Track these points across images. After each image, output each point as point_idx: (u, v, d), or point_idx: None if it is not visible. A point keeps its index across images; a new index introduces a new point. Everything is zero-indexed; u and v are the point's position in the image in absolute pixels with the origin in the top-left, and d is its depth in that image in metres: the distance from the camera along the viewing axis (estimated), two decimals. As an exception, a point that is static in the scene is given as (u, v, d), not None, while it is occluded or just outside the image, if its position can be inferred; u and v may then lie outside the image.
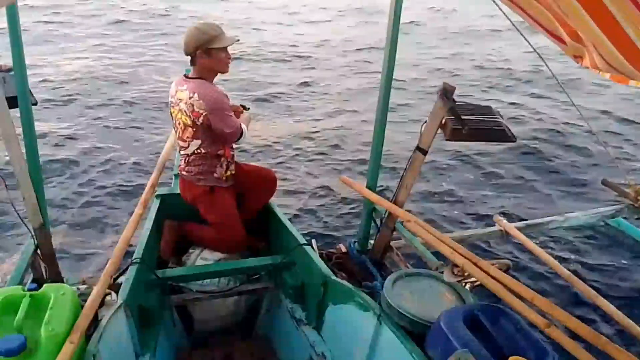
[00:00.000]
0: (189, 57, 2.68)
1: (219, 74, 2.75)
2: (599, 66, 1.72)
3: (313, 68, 10.52)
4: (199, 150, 2.76)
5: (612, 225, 4.14)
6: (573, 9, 1.45)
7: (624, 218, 4.13)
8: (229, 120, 2.68)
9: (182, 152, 2.85)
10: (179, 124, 2.74)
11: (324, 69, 10.43)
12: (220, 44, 2.63)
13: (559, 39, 1.93)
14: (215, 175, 2.83)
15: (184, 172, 2.86)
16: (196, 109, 2.62)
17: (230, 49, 2.70)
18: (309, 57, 11.28)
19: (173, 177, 3.36)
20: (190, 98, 2.61)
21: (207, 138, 2.72)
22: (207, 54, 2.62)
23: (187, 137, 2.75)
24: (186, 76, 2.73)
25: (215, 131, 2.67)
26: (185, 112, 2.65)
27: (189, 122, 2.68)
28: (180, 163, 2.91)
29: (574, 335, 1.87)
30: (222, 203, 2.89)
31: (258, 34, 12.85)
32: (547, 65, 2.66)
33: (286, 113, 7.93)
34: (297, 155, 6.47)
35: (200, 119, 2.63)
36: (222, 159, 2.83)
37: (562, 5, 1.53)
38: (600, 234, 4.82)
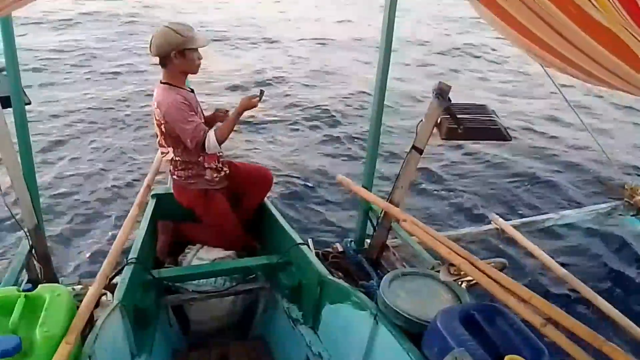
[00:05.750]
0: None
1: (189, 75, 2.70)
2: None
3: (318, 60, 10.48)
4: (177, 158, 2.72)
5: (608, 223, 4.16)
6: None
7: (620, 215, 4.15)
8: (184, 131, 2.55)
9: (165, 159, 2.82)
10: (156, 130, 2.73)
11: (325, 65, 10.40)
12: (194, 44, 2.56)
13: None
14: (206, 177, 2.80)
15: (174, 177, 2.84)
16: (157, 117, 2.61)
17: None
18: (313, 50, 11.24)
19: (169, 177, 3.35)
20: (154, 105, 2.61)
21: (179, 145, 2.66)
22: (182, 55, 2.55)
23: (162, 144, 2.73)
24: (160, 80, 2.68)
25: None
26: (154, 119, 2.65)
27: (158, 130, 2.68)
28: (170, 167, 2.87)
29: (571, 335, 1.87)
30: (217, 205, 2.87)
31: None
32: (545, 69, 2.65)
33: (283, 111, 7.91)
34: (292, 155, 6.46)
35: (163, 127, 2.61)
36: (206, 164, 2.78)
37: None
38: (596, 231, 4.83)
